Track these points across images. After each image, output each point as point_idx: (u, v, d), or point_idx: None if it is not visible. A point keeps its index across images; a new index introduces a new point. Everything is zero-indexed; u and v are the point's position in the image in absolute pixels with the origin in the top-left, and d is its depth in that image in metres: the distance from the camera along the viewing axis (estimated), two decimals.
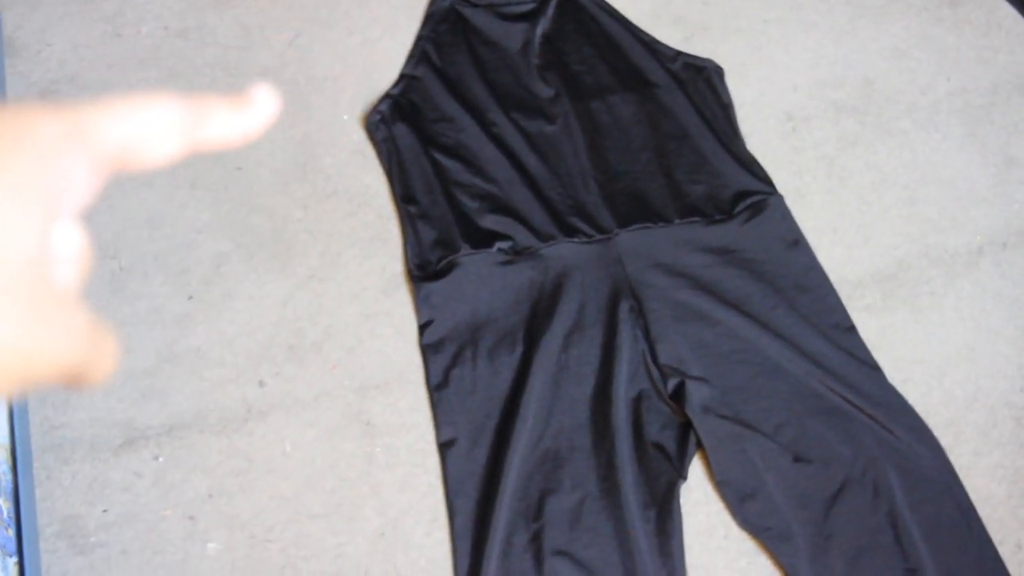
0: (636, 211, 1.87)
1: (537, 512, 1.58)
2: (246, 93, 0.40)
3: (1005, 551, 1.59)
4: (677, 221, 1.86)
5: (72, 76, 2.05)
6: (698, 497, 1.64)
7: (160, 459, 1.63)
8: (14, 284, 0.30)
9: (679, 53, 2.09)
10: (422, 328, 1.75)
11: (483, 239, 1.82)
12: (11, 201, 0.31)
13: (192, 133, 0.38)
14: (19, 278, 0.30)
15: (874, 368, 1.73)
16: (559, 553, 1.54)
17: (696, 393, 1.67)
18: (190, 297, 1.79)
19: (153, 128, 0.36)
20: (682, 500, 1.62)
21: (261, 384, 1.71)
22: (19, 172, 0.31)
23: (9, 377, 0.31)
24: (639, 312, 1.75)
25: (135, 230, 1.86)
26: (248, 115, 0.40)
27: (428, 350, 1.74)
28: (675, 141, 1.97)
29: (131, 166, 0.37)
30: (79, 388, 0.37)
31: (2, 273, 0.30)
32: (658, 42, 2.11)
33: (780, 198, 1.90)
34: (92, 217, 1.86)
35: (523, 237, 1.83)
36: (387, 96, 2.02)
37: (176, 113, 0.37)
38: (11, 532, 1.49)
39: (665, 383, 1.68)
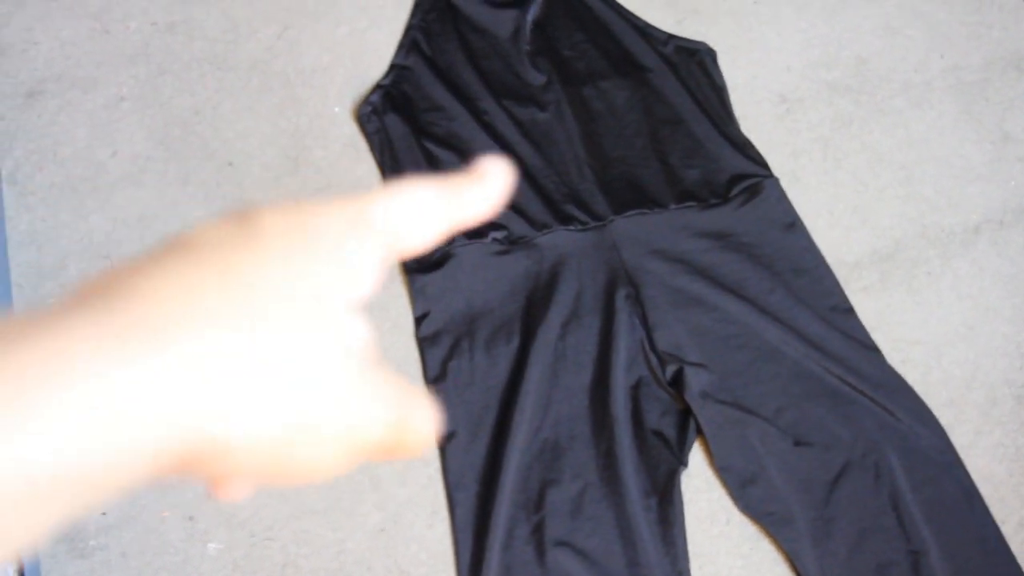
0: (631, 197, 1.86)
1: (538, 503, 1.57)
2: (482, 168, 0.41)
3: (1007, 530, 1.59)
4: (673, 206, 1.85)
5: (59, 75, 2.04)
6: (699, 484, 1.63)
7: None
8: (333, 372, 0.33)
9: (671, 36, 2.08)
10: (418, 321, 1.75)
11: (477, 229, 1.81)
12: (314, 291, 0.33)
13: (450, 214, 0.40)
14: (336, 366, 0.33)
15: (873, 349, 1.72)
16: (561, 544, 1.54)
17: (695, 379, 1.66)
18: None
19: (419, 214, 0.38)
20: (683, 487, 1.61)
21: None
22: (316, 265, 0.34)
23: (341, 454, 0.34)
24: (636, 299, 1.74)
25: (126, 229, 1.85)
26: (490, 187, 0.41)
27: (424, 343, 1.73)
28: (669, 126, 1.96)
29: (403, 253, 0.39)
30: (403, 458, 0.40)
31: (322, 362, 0.32)
32: (650, 26, 2.09)
33: (775, 181, 1.89)
34: (84, 216, 1.85)
35: (518, 226, 1.82)
36: (378, 87, 2.00)
37: (435, 198, 0.39)
38: None
39: (663, 370, 1.68)
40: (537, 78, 2.02)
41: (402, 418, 0.36)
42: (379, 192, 0.37)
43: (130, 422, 0.28)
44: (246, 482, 0.34)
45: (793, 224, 1.85)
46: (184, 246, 0.33)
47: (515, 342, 1.71)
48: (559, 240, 1.81)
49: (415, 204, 0.38)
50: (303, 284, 0.33)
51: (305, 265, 0.33)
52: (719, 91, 2.03)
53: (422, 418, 0.37)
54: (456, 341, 1.72)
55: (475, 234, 1.80)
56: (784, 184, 1.90)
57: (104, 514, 1.57)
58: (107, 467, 0.28)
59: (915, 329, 1.78)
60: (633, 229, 1.82)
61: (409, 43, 2.06)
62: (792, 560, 1.56)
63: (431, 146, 1.91)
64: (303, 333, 0.32)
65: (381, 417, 0.35)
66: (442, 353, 1.71)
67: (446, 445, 1.63)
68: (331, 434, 0.33)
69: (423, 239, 0.39)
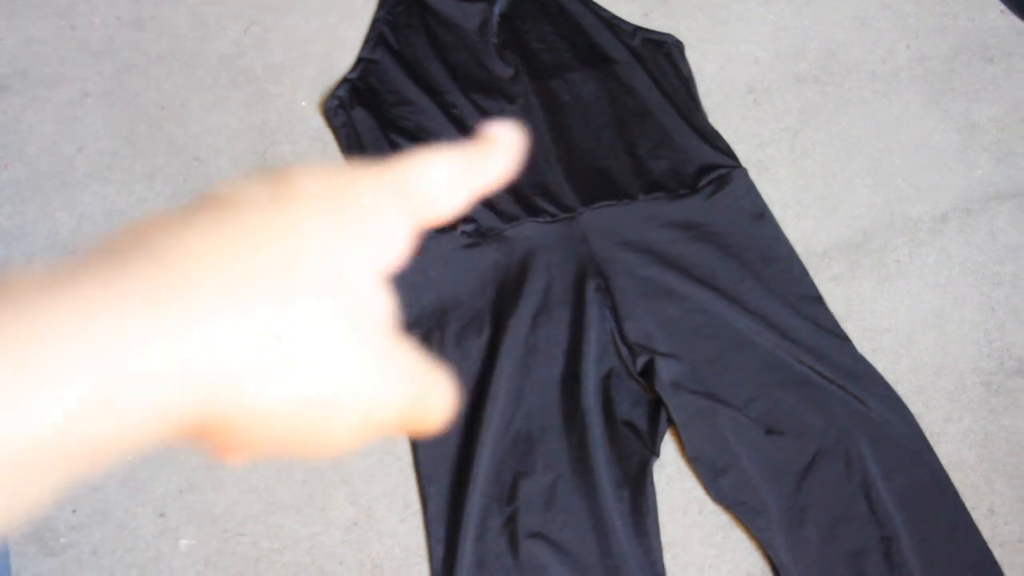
0: (600, 189, 1.86)
1: (511, 495, 1.57)
2: (496, 133, 0.41)
3: (978, 516, 1.60)
4: (641, 197, 1.85)
5: (25, 71, 2.02)
6: (671, 474, 1.63)
7: (129, 456, 1.61)
8: (356, 344, 0.32)
9: (638, 28, 2.08)
10: None
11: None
12: (343, 259, 0.33)
13: (471, 181, 0.39)
14: (359, 337, 0.32)
15: (842, 338, 1.73)
16: (534, 535, 1.54)
17: (665, 369, 1.66)
18: None
19: (444, 182, 0.38)
20: (655, 477, 1.61)
21: None
22: (348, 231, 0.33)
23: (357, 428, 0.34)
24: (606, 290, 1.74)
25: (93, 225, 1.83)
26: (504, 152, 0.41)
27: None
28: (637, 117, 1.96)
29: (429, 220, 0.38)
30: (418, 434, 0.40)
31: (345, 333, 0.32)
32: (617, 18, 2.09)
33: (744, 171, 1.90)
34: (50, 213, 1.84)
35: (486, 218, 1.81)
36: (345, 81, 2.00)
37: (457, 165, 0.39)
38: None
39: (634, 360, 1.68)
40: (505, 71, 2.01)
41: (420, 393, 0.36)
42: (410, 159, 0.37)
43: (144, 386, 0.27)
44: (258, 451, 0.33)
45: (762, 214, 1.85)
46: (215, 203, 0.32)
47: (486, 335, 1.71)
48: (528, 232, 1.81)
49: (444, 171, 0.38)
50: (334, 251, 0.32)
51: (337, 231, 0.33)
52: (686, 82, 2.03)
53: (439, 393, 0.37)
54: (427, 334, 1.71)
55: (443, 227, 1.79)
56: (752, 174, 1.90)
57: (75, 511, 1.56)
58: (119, 429, 0.27)
59: (884, 317, 1.79)
60: (602, 220, 1.82)
61: (376, 36, 2.05)
62: (765, 549, 1.56)
63: (398, 139, 1.90)
64: (330, 302, 0.31)
65: (399, 391, 0.34)
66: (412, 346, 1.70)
67: (418, 438, 1.62)
68: (349, 406, 0.33)
69: (450, 207, 0.38)
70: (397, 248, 0.36)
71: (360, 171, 0.35)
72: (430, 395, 0.36)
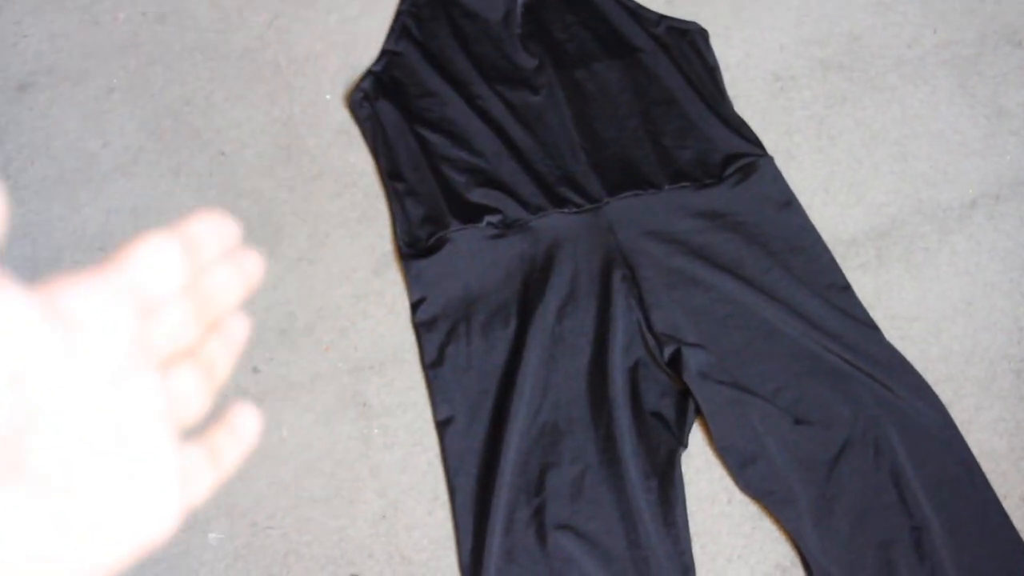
0: (625, 179, 1.85)
1: (538, 486, 1.57)
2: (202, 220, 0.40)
3: (1009, 505, 1.58)
4: (667, 187, 1.84)
5: (50, 67, 2.03)
6: (699, 464, 1.63)
7: None
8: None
9: (662, 17, 2.07)
10: (414, 306, 1.74)
11: (472, 214, 1.80)
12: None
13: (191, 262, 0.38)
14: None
15: (871, 327, 1.71)
16: (562, 527, 1.54)
17: (693, 360, 1.66)
18: None
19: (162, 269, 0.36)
20: (683, 468, 1.61)
21: (255, 370, 1.70)
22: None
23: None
24: (632, 280, 1.73)
25: (120, 220, 1.84)
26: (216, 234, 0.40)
27: (421, 328, 1.72)
28: (662, 106, 1.95)
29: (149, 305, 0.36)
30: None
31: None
32: (641, 7, 2.08)
33: (770, 159, 1.89)
34: (77, 209, 1.84)
35: (512, 210, 1.81)
36: (369, 73, 1.99)
37: (174, 251, 0.37)
38: None
39: (661, 351, 1.67)
40: (529, 61, 2.01)
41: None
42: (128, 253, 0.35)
43: None
44: None
45: (789, 203, 1.84)
46: None
47: (512, 326, 1.71)
48: (554, 223, 1.80)
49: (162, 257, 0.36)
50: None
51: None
52: (711, 71, 2.02)
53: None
54: (453, 326, 1.71)
55: (470, 218, 1.79)
56: (779, 162, 1.89)
57: None
58: None
59: (913, 305, 1.78)
60: (628, 210, 1.81)
61: (399, 28, 2.05)
62: (794, 539, 1.56)
63: (424, 131, 1.90)
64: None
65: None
66: (439, 338, 1.70)
67: (445, 430, 1.63)
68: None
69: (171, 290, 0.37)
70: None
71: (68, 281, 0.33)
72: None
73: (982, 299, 1.79)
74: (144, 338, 0.34)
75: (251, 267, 0.41)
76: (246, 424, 0.41)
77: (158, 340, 0.37)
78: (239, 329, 0.42)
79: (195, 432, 0.39)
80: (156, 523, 0.35)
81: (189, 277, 0.37)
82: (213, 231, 0.39)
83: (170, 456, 0.36)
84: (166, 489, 0.35)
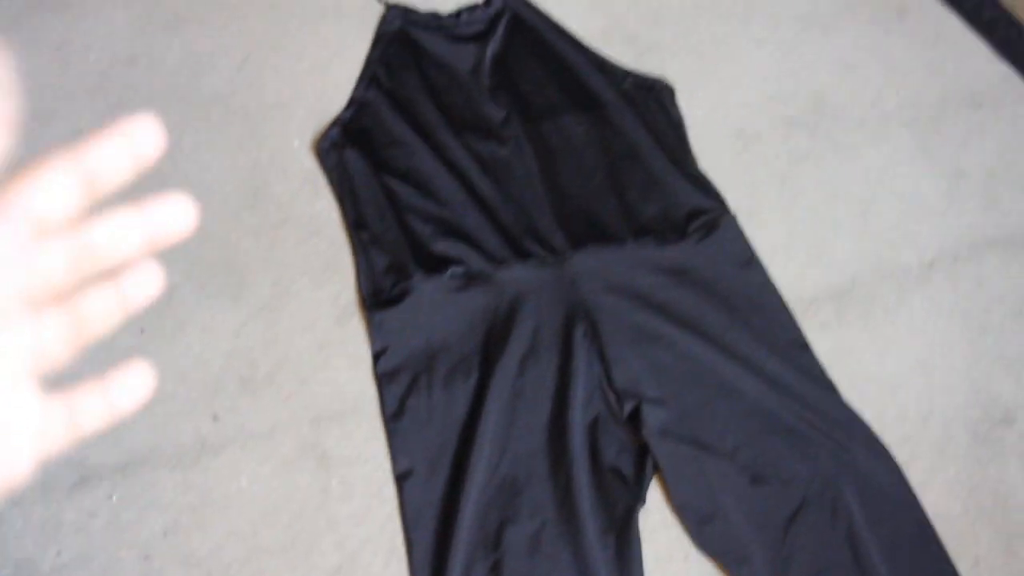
0: (589, 232, 1.87)
1: (496, 541, 1.57)
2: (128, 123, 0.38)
3: (963, 567, 1.59)
4: (630, 242, 1.86)
5: (17, 107, 2.02)
6: (657, 521, 1.63)
7: (114, 498, 1.61)
8: None
9: (629, 72, 2.09)
10: (376, 356, 1.74)
11: (436, 264, 1.81)
12: None
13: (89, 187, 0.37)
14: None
15: (829, 386, 1.73)
16: None
17: (652, 416, 1.66)
18: (142, 331, 1.77)
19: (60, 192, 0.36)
20: (641, 524, 1.61)
21: (215, 418, 1.69)
22: None
23: None
24: (594, 335, 1.74)
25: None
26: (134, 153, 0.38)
27: (383, 379, 1.72)
28: (627, 161, 1.97)
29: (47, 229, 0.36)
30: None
31: None
32: (608, 62, 2.11)
33: (732, 217, 1.90)
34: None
35: (476, 261, 1.82)
36: (337, 121, 2.00)
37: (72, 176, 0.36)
38: None
39: (621, 406, 1.68)
40: (497, 113, 2.02)
41: None
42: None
43: None
44: None
45: (750, 260, 1.86)
46: None
47: (473, 378, 1.71)
48: (517, 275, 1.81)
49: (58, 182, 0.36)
50: None
51: None
52: (676, 127, 2.04)
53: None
54: (415, 378, 1.71)
55: (434, 269, 1.80)
56: (741, 219, 1.91)
57: (59, 554, 1.56)
58: None
59: (871, 365, 1.80)
60: (591, 264, 1.82)
61: (369, 77, 2.06)
62: None
63: (390, 181, 1.91)
64: None
65: None
66: (400, 390, 1.70)
67: (404, 483, 1.62)
68: None
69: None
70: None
71: None
72: None
73: (939, 360, 1.81)
74: (23, 275, 0.34)
75: (166, 216, 0.40)
76: (131, 386, 0.40)
77: (34, 280, 0.36)
78: (145, 283, 0.40)
79: (59, 384, 0.38)
80: (4, 468, 0.35)
81: (82, 212, 0.37)
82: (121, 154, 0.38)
83: (28, 403, 0.35)
84: (17, 435, 0.35)
